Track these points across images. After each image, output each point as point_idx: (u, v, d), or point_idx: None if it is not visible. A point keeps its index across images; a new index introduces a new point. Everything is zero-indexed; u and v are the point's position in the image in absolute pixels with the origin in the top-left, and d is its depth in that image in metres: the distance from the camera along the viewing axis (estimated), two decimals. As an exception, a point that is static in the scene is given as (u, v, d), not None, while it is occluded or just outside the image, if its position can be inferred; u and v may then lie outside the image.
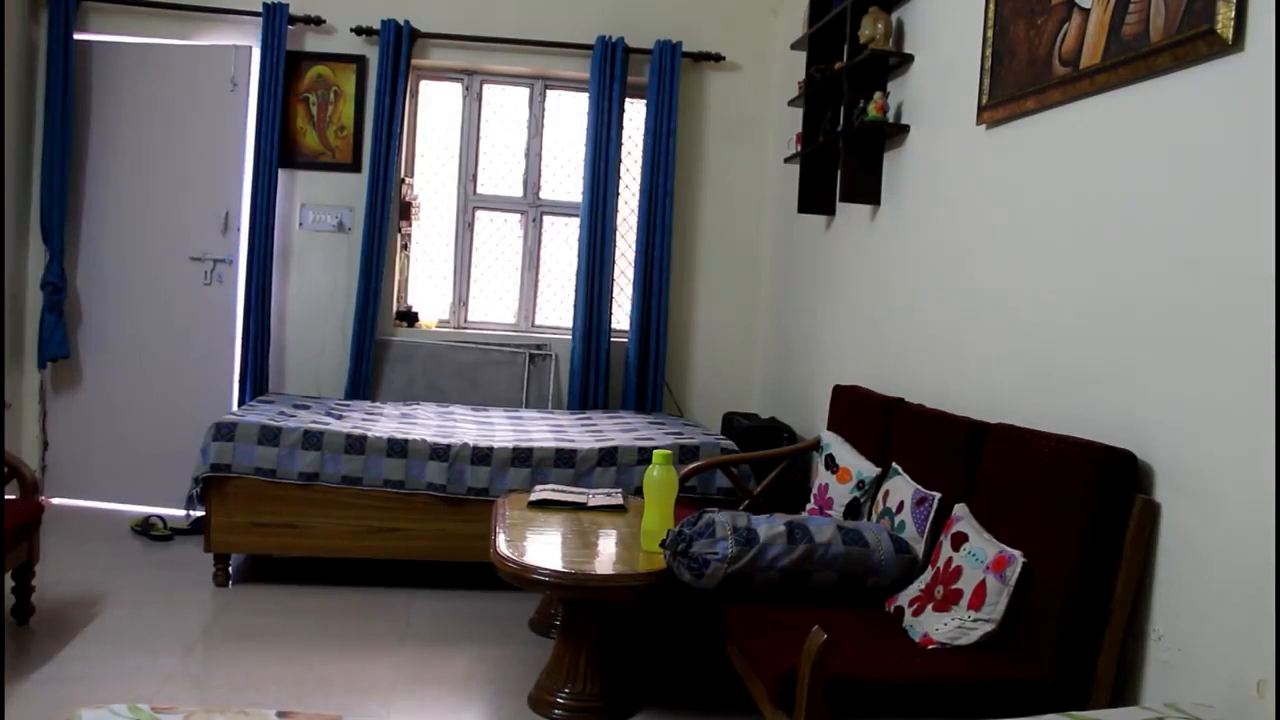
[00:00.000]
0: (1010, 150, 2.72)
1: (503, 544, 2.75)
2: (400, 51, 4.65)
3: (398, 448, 3.62)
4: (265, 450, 3.58)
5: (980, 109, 2.80)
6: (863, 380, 3.52)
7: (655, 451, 2.77)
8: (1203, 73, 1.98)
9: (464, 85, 4.96)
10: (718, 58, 4.94)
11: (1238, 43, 1.87)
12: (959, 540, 2.31)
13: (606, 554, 2.84)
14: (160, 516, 4.23)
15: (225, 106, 4.59)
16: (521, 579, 2.62)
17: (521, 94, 5.02)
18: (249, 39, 4.62)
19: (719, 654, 2.69)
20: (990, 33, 2.76)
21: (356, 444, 3.62)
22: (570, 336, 4.85)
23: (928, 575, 2.39)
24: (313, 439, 3.61)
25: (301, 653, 3.05)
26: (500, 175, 5.05)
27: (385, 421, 3.99)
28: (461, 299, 5.03)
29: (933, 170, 3.19)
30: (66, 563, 3.68)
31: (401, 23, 4.65)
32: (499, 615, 3.47)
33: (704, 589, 2.44)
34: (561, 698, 2.70)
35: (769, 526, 2.46)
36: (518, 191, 5.04)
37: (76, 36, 4.50)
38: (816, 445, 3.40)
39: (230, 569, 3.65)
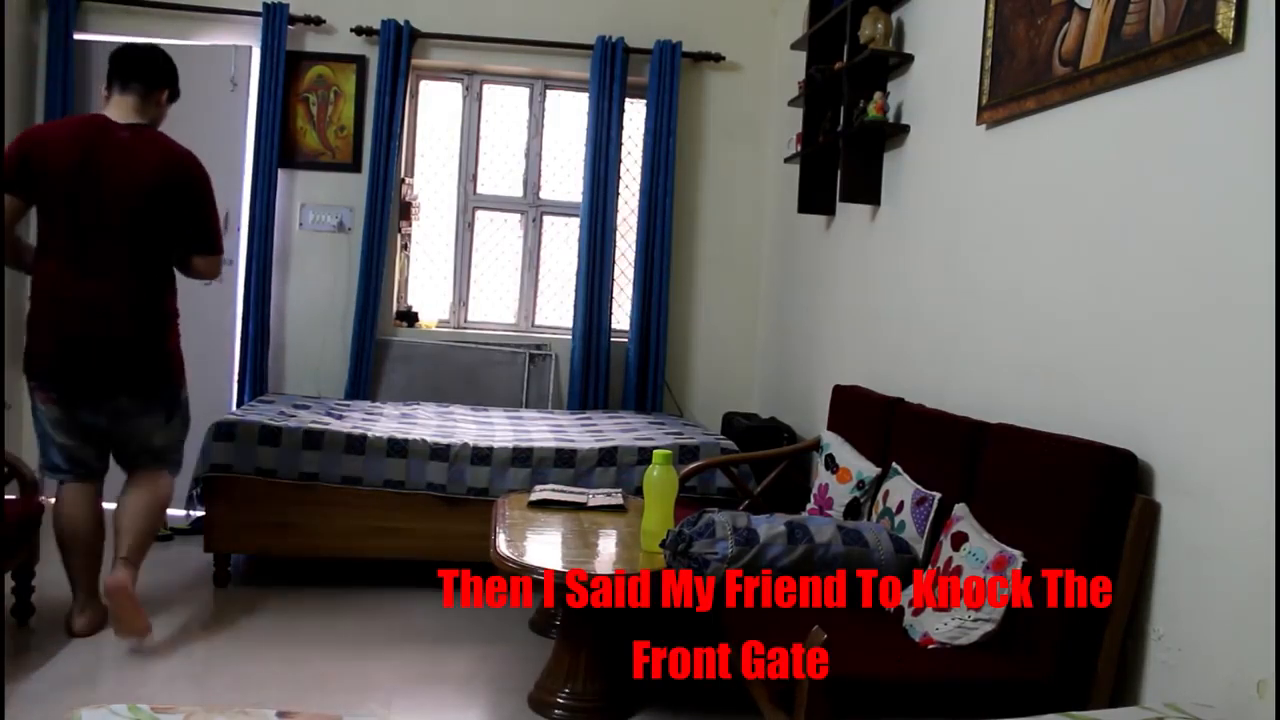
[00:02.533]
0: (1010, 150, 2.72)
1: (503, 544, 2.75)
2: (400, 51, 4.65)
3: (398, 448, 3.62)
4: (265, 450, 3.58)
5: (980, 109, 2.80)
6: (863, 380, 3.52)
7: (655, 451, 2.77)
8: (1203, 73, 1.98)
9: (464, 85, 4.96)
10: (718, 58, 4.94)
11: (1238, 43, 1.87)
12: (959, 540, 2.31)
13: (606, 554, 2.84)
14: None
15: (225, 106, 4.59)
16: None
17: (521, 94, 5.02)
18: (249, 39, 4.62)
19: (719, 654, 2.69)
20: (990, 33, 2.76)
21: (356, 444, 3.62)
22: (570, 336, 4.85)
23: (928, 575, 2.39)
24: (313, 439, 3.61)
25: (301, 652, 3.05)
26: (500, 175, 5.05)
27: (385, 421, 3.99)
28: (461, 299, 5.03)
29: (933, 170, 3.19)
30: (66, 563, 3.68)
31: (401, 23, 4.65)
32: (499, 615, 3.47)
33: (704, 589, 2.44)
34: (561, 698, 2.70)
35: (769, 526, 2.46)
36: (518, 191, 5.05)
37: (76, 36, 4.50)
38: (816, 445, 3.40)
39: (230, 569, 3.65)
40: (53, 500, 3.07)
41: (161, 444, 3.12)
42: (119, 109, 2.96)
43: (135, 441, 3.07)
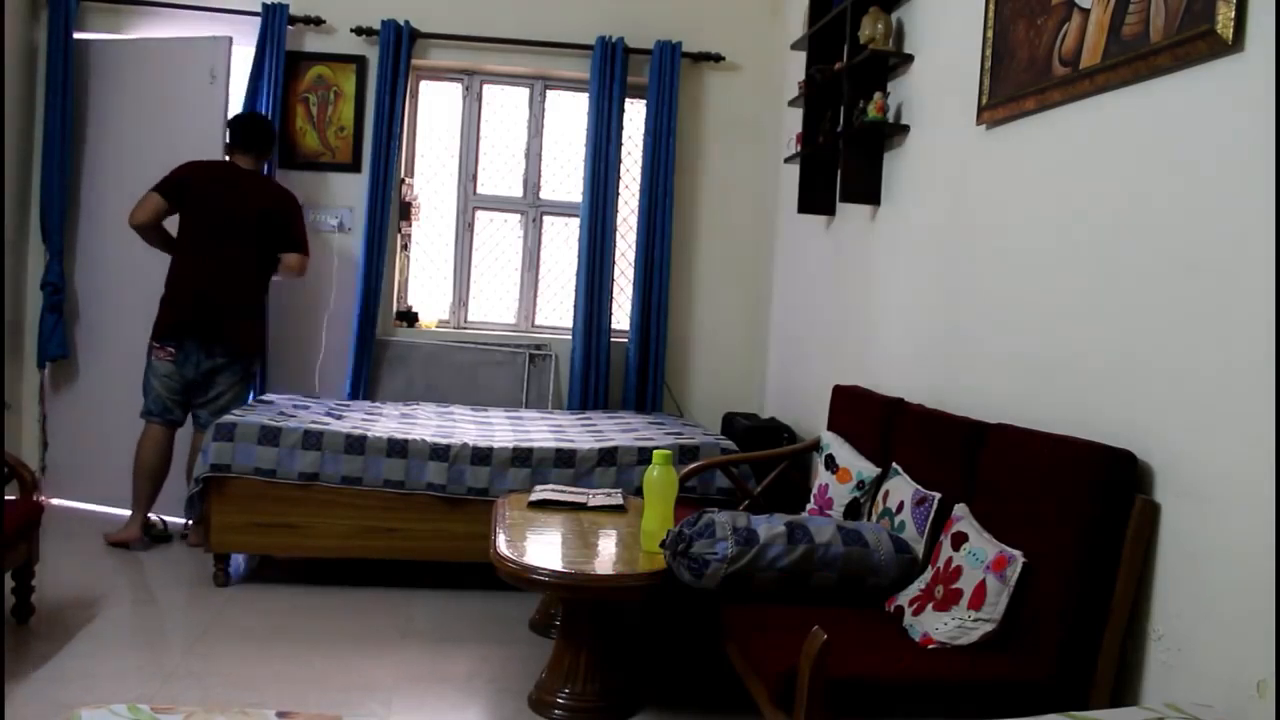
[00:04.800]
0: (1010, 150, 2.72)
1: (503, 544, 2.75)
2: (400, 51, 4.65)
3: (398, 448, 3.62)
4: (265, 450, 3.58)
5: (980, 109, 2.80)
6: (863, 380, 3.52)
7: (655, 451, 2.77)
8: (1203, 73, 1.98)
9: (464, 85, 4.96)
10: (718, 58, 4.94)
11: (1238, 43, 1.87)
12: (959, 540, 2.31)
13: (606, 554, 2.84)
14: (160, 517, 4.23)
15: (207, 100, 4.53)
16: (521, 579, 2.62)
17: (521, 94, 5.02)
18: (249, 39, 4.61)
19: (719, 654, 2.69)
20: (990, 33, 2.77)
21: (356, 444, 3.62)
22: (570, 336, 4.85)
23: (928, 575, 2.39)
24: (313, 439, 3.61)
25: (301, 652, 3.05)
26: (500, 175, 5.05)
27: (385, 421, 3.99)
28: (461, 299, 5.03)
29: (933, 170, 3.19)
30: (66, 563, 3.68)
31: (401, 23, 4.65)
32: (499, 615, 3.47)
33: (704, 589, 2.44)
34: (561, 698, 2.70)
35: (769, 526, 2.46)
36: (518, 192, 5.04)
37: (76, 36, 4.50)
38: (816, 445, 3.40)
39: (230, 569, 3.65)
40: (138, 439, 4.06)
41: (227, 401, 4.08)
42: (242, 160, 4.18)
43: (212, 392, 4.08)
